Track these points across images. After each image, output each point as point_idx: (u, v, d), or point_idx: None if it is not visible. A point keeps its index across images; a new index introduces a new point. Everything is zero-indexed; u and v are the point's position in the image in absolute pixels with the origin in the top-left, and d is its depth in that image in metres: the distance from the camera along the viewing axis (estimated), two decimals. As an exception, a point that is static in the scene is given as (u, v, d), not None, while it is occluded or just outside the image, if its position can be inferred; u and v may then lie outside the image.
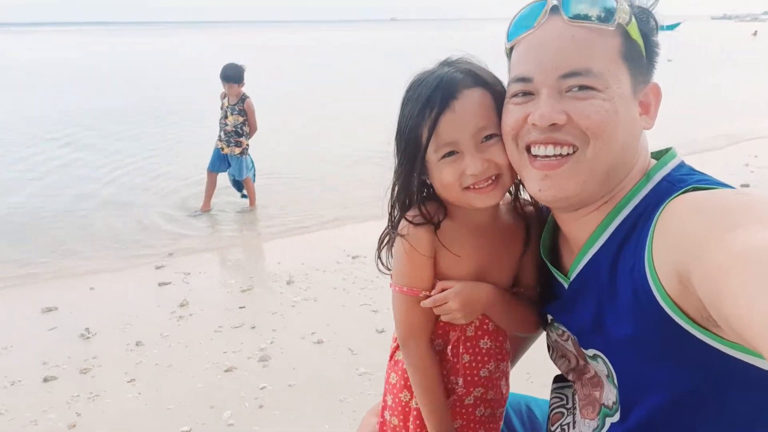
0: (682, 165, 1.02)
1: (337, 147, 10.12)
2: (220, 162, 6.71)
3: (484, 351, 1.24)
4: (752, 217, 0.75)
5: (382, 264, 1.26)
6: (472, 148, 1.06)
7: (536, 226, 1.23)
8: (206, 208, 6.82)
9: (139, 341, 3.92)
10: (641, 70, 0.99)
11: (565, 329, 1.14)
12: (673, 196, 0.90)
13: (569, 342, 1.15)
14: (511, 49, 1.05)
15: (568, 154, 0.96)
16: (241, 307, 4.40)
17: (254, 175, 6.94)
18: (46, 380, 3.50)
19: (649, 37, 1.00)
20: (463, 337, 1.23)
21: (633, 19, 0.97)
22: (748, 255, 0.66)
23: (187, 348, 3.85)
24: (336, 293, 4.51)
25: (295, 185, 7.93)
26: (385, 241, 1.24)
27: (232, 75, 6.44)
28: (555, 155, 0.96)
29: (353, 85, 19.97)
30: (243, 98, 6.56)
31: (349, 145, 10.04)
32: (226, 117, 6.62)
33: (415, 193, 1.17)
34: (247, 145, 6.69)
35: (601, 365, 1.05)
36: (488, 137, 1.07)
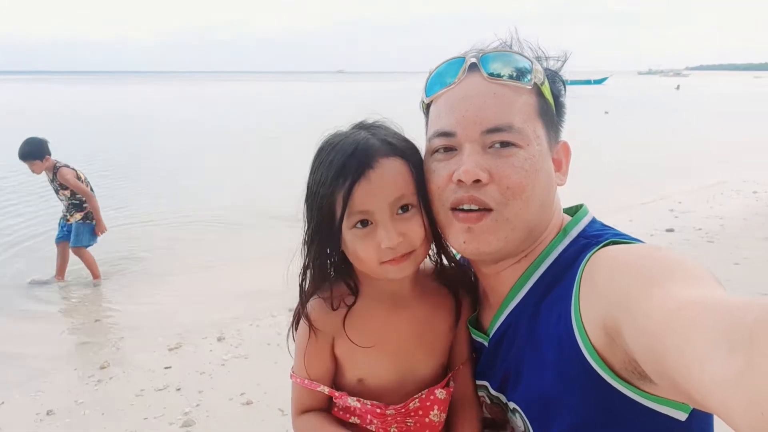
0: (594, 221, 1.06)
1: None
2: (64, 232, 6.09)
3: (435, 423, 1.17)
4: (682, 272, 0.77)
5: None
6: (387, 220, 1.00)
7: (466, 292, 1.18)
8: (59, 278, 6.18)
9: (50, 410, 3.61)
10: (554, 127, 1.03)
11: (487, 387, 1.13)
12: (594, 250, 0.92)
13: (483, 407, 1.16)
14: (429, 104, 1.06)
15: (489, 209, 0.96)
16: (166, 368, 4.16)
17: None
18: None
19: (558, 98, 1.04)
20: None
21: (546, 80, 1.01)
22: (689, 311, 0.66)
23: (104, 415, 3.57)
24: (269, 349, 4.34)
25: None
26: (295, 320, 1.16)
27: (29, 152, 5.68)
28: (478, 209, 0.96)
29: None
30: (55, 170, 5.84)
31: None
32: (57, 193, 6.04)
33: (328, 267, 1.10)
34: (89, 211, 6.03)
35: (518, 420, 1.04)
36: (404, 208, 1.02)
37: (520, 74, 0.98)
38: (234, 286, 5.85)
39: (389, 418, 1.13)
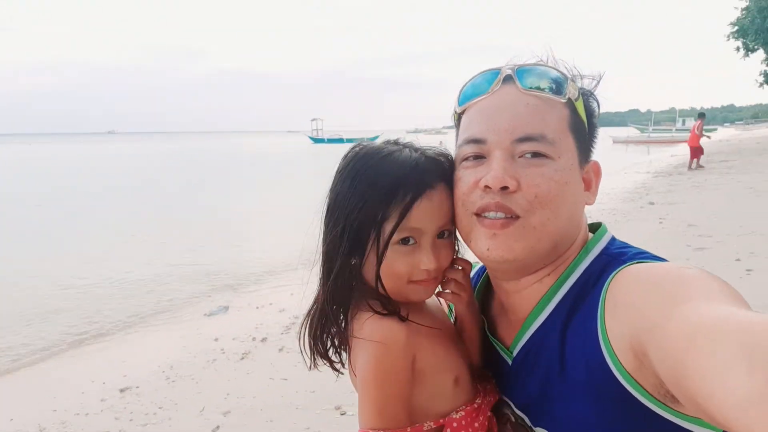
0: (614, 239, 1.04)
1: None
2: None
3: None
4: (705, 290, 0.75)
5: (331, 365, 1.10)
6: (430, 242, 1.02)
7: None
8: None
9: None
10: (585, 145, 1.01)
11: (510, 405, 1.08)
12: (618, 270, 0.90)
13: (507, 425, 1.09)
14: (461, 114, 1.05)
15: (516, 217, 0.93)
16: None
17: None
18: None
19: (591, 117, 1.03)
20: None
21: (581, 97, 1.00)
22: (710, 331, 0.64)
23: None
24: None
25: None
26: (322, 332, 1.06)
27: None
28: (504, 216, 0.94)
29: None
30: None
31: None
32: None
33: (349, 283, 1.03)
34: None
35: None
36: (441, 234, 1.04)
37: (555, 88, 0.97)
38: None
39: (484, 407, 1.07)
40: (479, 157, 0.97)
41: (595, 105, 1.03)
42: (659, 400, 0.81)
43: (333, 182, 1.06)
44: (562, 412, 0.94)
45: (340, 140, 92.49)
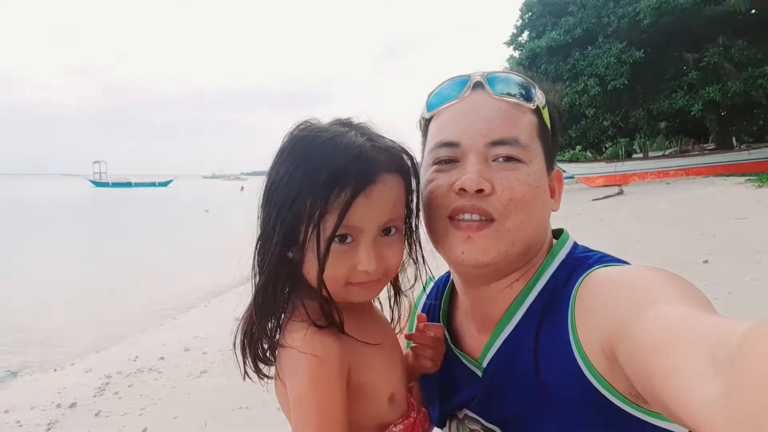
0: (576, 244, 1.05)
1: None
2: None
3: None
4: (671, 292, 0.76)
5: (258, 372, 0.97)
6: (370, 241, 0.90)
7: None
8: None
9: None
10: (550, 153, 1.03)
11: (483, 422, 1.04)
12: (585, 274, 0.91)
13: None
14: (429, 120, 1.05)
15: (490, 220, 0.94)
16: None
17: None
18: None
19: (554, 127, 1.04)
20: None
21: (547, 105, 1.02)
22: (674, 333, 0.65)
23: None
24: None
25: None
26: (251, 339, 0.95)
27: None
28: (479, 219, 0.94)
29: None
30: None
31: None
32: None
33: (284, 283, 0.94)
34: None
35: None
36: (387, 231, 0.93)
37: (525, 94, 0.99)
38: None
39: (418, 423, 1.03)
40: (451, 161, 0.97)
41: (557, 115, 1.06)
42: (632, 401, 0.82)
43: (273, 162, 0.94)
44: (541, 422, 0.93)
45: (128, 184, 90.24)
